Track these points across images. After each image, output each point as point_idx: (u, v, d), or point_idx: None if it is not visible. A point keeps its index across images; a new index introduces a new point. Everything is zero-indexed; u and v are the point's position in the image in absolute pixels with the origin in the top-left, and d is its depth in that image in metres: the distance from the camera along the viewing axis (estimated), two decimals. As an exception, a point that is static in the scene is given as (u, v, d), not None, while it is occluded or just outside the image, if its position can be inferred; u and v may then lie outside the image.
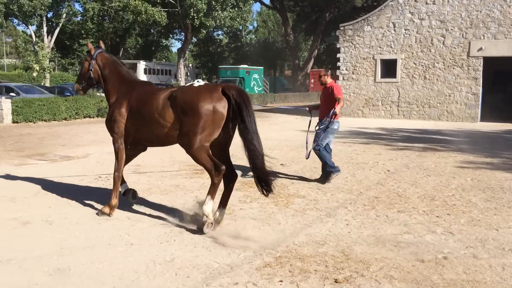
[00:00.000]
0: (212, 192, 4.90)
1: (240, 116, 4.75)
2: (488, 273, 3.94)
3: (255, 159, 4.86)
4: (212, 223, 4.86)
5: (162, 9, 24.27)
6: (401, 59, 20.61)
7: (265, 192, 4.94)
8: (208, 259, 4.19)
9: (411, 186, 7.20)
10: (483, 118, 19.67)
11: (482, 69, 19.21)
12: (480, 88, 19.36)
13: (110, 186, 6.96)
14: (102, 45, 5.95)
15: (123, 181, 5.75)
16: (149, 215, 5.53)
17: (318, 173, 8.11)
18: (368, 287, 3.66)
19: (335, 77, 7.97)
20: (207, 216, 4.81)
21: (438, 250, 4.46)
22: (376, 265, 4.08)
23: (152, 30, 47.29)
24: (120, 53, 47.56)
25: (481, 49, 19.02)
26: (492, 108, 22.11)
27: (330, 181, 7.33)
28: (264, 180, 4.89)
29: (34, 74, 31.97)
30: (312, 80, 46.73)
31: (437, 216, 5.56)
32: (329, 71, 7.98)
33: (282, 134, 14.43)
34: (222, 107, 4.75)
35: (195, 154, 4.86)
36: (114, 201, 5.44)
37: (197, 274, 3.88)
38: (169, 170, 8.32)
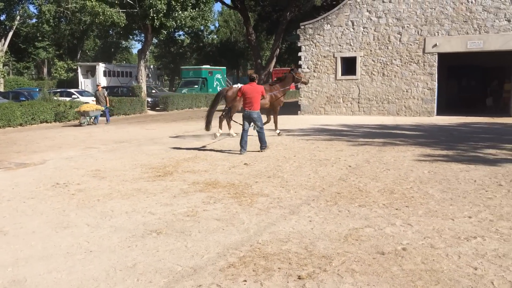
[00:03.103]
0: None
1: None
2: (445, 262, 4.06)
3: None
4: None
5: (120, 10, 23.76)
6: (360, 56, 21.03)
7: None
8: (171, 263, 4.14)
9: (371, 180, 7.35)
10: (439, 112, 20.35)
11: (437, 64, 19.86)
12: (436, 83, 20.00)
13: (69, 192, 6.78)
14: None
15: None
16: (110, 221, 5.41)
17: (281, 171, 8.18)
18: (330, 282, 3.71)
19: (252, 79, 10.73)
20: None
21: (398, 241, 4.57)
22: (338, 260, 4.14)
23: (110, 32, 46.34)
24: (78, 56, 46.41)
25: (435, 45, 19.66)
26: (447, 102, 22.96)
27: (240, 153, 10.16)
28: None
29: (-13, 79, 30.69)
30: (275, 79, 46.99)
31: (396, 209, 5.70)
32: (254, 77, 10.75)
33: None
34: None
35: None
36: None
37: (160, 279, 3.82)
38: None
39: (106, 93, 20.37)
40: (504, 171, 7.88)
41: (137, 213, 5.72)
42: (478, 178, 7.36)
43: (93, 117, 18.67)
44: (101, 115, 19.60)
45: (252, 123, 10.43)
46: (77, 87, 34.46)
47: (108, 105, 20.04)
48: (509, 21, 18.55)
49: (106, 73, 35.90)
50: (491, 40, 18.82)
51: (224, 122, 13.49)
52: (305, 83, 14.70)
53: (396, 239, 4.65)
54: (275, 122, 13.70)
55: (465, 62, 22.00)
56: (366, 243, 4.54)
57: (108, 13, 22.62)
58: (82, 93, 26.48)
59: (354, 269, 3.94)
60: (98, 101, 19.64)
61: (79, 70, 36.98)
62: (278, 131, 13.50)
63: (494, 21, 18.74)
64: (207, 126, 13.19)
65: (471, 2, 18.98)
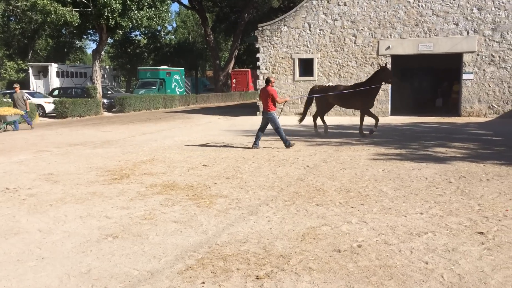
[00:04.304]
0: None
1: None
2: (398, 257, 4.20)
3: None
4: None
5: (73, 9, 23.06)
6: (317, 58, 21.38)
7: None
8: (127, 267, 4.06)
9: (328, 180, 7.49)
10: (393, 112, 21.00)
11: (390, 66, 20.47)
12: (389, 85, 20.59)
13: (19, 198, 6.52)
14: None
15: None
16: (63, 226, 5.24)
17: (240, 172, 8.19)
18: (288, 280, 3.75)
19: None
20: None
21: (353, 239, 4.68)
22: (296, 259, 4.19)
23: (63, 31, 44.86)
24: (29, 56, 44.68)
25: (388, 47, 20.28)
26: (400, 103, 23.76)
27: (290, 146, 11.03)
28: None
29: None
30: (234, 80, 47.02)
31: (352, 207, 5.84)
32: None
33: (205, 135, 14.38)
34: None
35: None
36: None
37: (116, 284, 3.74)
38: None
39: (25, 95, 18.51)
40: (453, 168, 8.23)
41: (92, 217, 5.57)
42: (429, 175, 7.65)
43: (11, 123, 16.68)
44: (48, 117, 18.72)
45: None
46: (28, 88, 33.16)
47: (27, 109, 18.07)
48: (457, 24, 19.40)
49: (59, 74, 34.74)
50: (441, 43, 19.62)
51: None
52: (391, 83, 13.32)
53: (352, 236, 4.76)
54: (360, 122, 13.30)
55: (417, 64, 22.83)
56: (323, 242, 4.62)
57: (60, 12, 21.90)
58: (33, 94, 25.46)
59: (311, 267, 4.00)
60: (15, 105, 17.62)
61: (30, 71, 35.58)
62: (370, 131, 13.06)
63: (443, 25, 19.55)
64: (301, 120, 13.93)
65: (422, 6, 19.72)
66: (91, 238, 4.82)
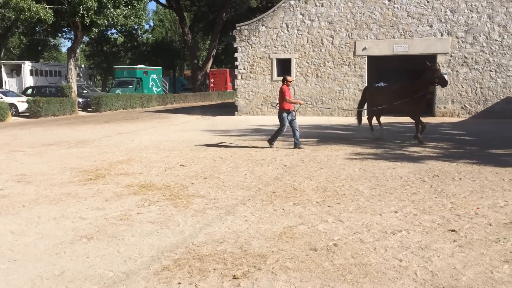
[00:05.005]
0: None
1: None
2: (373, 255, 4.26)
3: None
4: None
5: (47, 6, 22.59)
6: (295, 58, 21.50)
7: None
8: (102, 269, 4.01)
9: (306, 179, 7.54)
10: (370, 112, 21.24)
11: (366, 67, 20.76)
12: (366, 85, 20.88)
13: (-10, 199, 6.36)
14: None
15: None
16: (36, 228, 5.14)
17: (218, 172, 8.17)
18: (265, 280, 3.77)
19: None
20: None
21: (330, 238, 4.73)
22: (272, 258, 4.21)
23: (37, 29, 43.93)
24: (2, 54, 43.60)
25: (365, 48, 20.55)
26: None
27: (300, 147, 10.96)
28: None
29: None
30: (212, 80, 46.84)
31: (329, 206, 5.90)
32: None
33: (182, 135, 14.30)
34: None
35: None
36: None
37: (90, 286, 3.68)
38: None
39: None
40: (427, 167, 8.40)
41: (66, 218, 5.48)
42: (404, 174, 7.78)
43: None
44: None
45: (291, 120, 10.97)
46: (0, 87, 32.38)
47: None
48: (431, 26, 19.79)
49: (33, 72, 34.00)
50: (415, 44, 19.98)
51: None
52: (442, 84, 12.21)
53: (328, 235, 4.81)
54: (416, 127, 12.06)
55: (393, 65, 23.18)
56: (300, 241, 4.65)
57: (34, 9, 21.43)
58: (6, 93, 24.89)
59: (288, 266, 4.02)
60: None
61: (3, 69, 34.73)
62: (419, 136, 11.80)
63: (418, 26, 19.91)
64: (359, 122, 13.70)
65: (397, 8, 20.04)
66: (65, 240, 4.73)
